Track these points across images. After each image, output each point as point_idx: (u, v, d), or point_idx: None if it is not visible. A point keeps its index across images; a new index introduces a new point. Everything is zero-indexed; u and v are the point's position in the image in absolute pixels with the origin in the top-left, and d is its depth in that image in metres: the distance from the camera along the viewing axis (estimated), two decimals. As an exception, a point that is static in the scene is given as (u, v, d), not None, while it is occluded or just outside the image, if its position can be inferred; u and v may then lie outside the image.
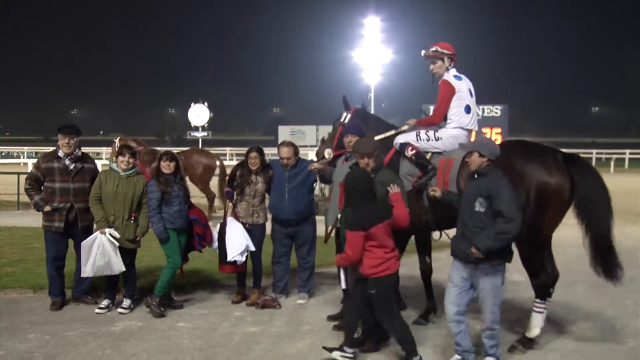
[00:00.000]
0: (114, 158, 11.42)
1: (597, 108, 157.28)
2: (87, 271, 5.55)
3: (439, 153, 5.18)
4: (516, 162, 4.66)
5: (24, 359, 4.57)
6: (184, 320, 5.54)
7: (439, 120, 5.31)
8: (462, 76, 5.34)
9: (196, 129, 35.13)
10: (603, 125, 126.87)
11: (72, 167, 5.79)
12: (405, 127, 5.49)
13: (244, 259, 5.88)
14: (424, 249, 5.67)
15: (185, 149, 13.34)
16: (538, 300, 4.81)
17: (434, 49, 5.34)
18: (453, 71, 5.31)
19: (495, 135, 19.38)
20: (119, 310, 5.70)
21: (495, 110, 16.25)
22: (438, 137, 5.16)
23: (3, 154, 36.05)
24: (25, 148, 37.45)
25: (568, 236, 5.44)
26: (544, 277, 4.82)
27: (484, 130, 14.42)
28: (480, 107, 15.87)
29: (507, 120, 16.35)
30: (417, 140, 5.20)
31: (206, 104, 35.30)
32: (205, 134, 35.43)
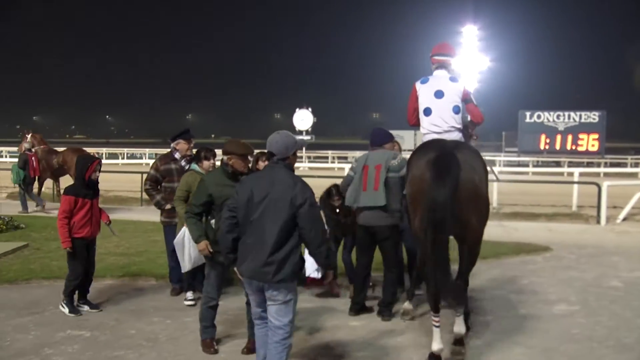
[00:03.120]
0: (23, 148, 12.36)
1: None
2: (186, 266, 5.65)
3: None
4: (409, 160, 4.83)
5: (150, 339, 5.08)
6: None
7: (411, 123, 5.41)
8: (435, 77, 5.25)
9: (300, 132, 36.11)
10: None
11: (187, 167, 6.22)
12: None
13: (319, 275, 5.59)
14: None
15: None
16: (432, 312, 4.49)
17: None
18: (440, 72, 5.26)
19: (592, 142, 17.94)
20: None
21: (593, 117, 15.30)
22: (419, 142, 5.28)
23: (128, 155, 39.18)
24: (147, 150, 40.40)
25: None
26: (432, 288, 4.43)
27: (581, 136, 13.74)
28: (578, 113, 15.05)
29: (605, 126, 15.36)
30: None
31: (310, 109, 36.24)
32: (309, 137, 36.34)
